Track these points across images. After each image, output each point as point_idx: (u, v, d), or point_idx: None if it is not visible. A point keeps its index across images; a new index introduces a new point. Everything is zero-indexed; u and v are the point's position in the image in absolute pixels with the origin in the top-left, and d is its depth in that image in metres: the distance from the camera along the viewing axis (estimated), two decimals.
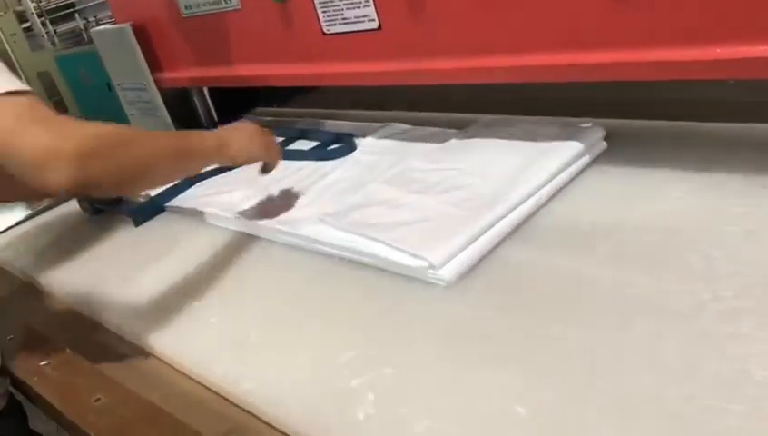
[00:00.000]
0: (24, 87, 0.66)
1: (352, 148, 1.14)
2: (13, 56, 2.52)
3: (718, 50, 0.71)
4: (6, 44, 2.44)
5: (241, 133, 0.89)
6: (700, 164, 0.80)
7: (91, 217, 1.23)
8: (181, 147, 0.79)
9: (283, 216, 0.96)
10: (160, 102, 1.47)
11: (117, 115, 1.61)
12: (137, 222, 1.14)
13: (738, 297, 0.59)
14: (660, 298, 0.61)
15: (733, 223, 0.67)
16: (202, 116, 1.57)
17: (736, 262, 0.63)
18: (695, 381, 0.52)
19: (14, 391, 0.85)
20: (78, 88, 1.85)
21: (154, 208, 1.16)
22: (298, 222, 0.91)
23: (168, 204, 1.15)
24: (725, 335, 0.55)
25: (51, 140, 0.62)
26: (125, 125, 0.73)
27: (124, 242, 1.11)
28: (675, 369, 0.54)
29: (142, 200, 1.18)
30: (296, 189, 1.04)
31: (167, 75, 1.46)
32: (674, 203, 0.75)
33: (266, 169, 0.96)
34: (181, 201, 1.13)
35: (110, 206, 1.15)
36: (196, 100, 1.55)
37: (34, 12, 1.94)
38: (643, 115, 0.96)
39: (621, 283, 0.65)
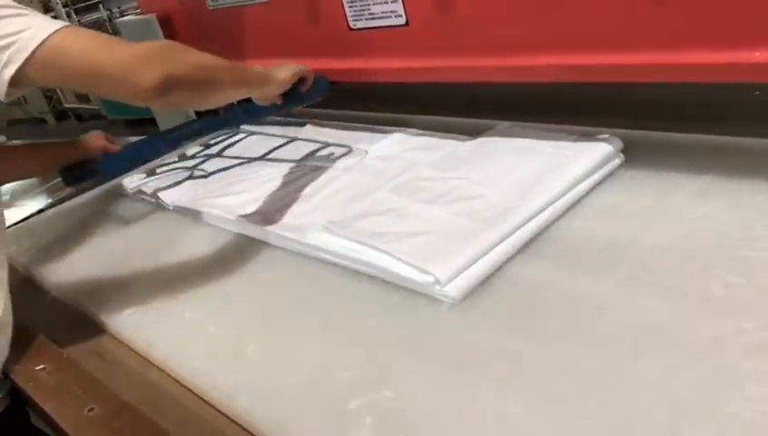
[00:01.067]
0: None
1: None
2: None
3: (757, 54, 0.70)
4: None
5: (274, 67, 0.98)
6: (722, 182, 0.76)
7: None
8: (237, 65, 0.89)
9: (288, 222, 0.93)
10: None
11: (140, 108, 1.61)
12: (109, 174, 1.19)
13: (762, 329, 0.55)
14: (676, 327, 0.58)
15: (757, 248, 0.62)
16: (223, 108, 1.56)
17: (759, 290, 0.59)
18: (712, 422, 0.49)
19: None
20: None
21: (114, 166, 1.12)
22: (302, 228, 0.89)
23: (174, 204, 1.13)
24: (747, 372, 0.52)
25: (134, 51, 0.70)
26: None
27: (128, 241, 1.10)
28: (691, 407, 0.50)
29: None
30: (301, 194, 1.01)
31: None
32: (693, 224, 0.71)
33: (304, 81, 1.01)
34: (186, 202, 1.11)
35: (84, 176, 1.09)
36: None
37: (59, 2, 1.95)
38: (664, 125, 0.93)
39: (635, 309, 0.61)
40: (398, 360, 0.65)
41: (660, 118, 0.95)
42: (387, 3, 1.02)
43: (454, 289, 0.70)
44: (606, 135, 0.90)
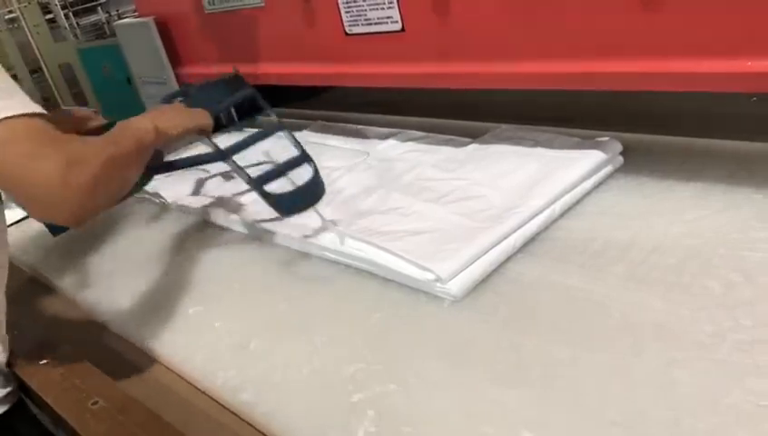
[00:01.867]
0: (33, 109, 0.63)
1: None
2: (35, 47, 2.54)
3: (749, 63, 0.70)
4: (30, 35, 2.46)
5: (165, 111, 0.89)
6: (720, 184, 0.78)
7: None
8: (138, 144, 0.75)
9: (292, 221, 0.93)
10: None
11: (135, 109, 1.61)
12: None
13: (759, 326, 0.56)
14: (676, 324, 0.59)
15: (755, 248, 0.64)
16: (222, 113, 1.56)
17: (757, 288, 0.60)
18: (712, 414, 0.50)
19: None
20: (98, 81, 1.86)
21: None
22: (306, 227, 0.90)
23: (179, 203, 1.14)
24: (745, 366, 0.53)
25: (59, 175, 0.61)
26: (94, 140, 0.70)
27: (130, 238, 1.10)
28: (691, 400, 0.51)
29: None
30: None
31: (187, 70, 1.46)
32: (692, 224, 0.72)
33: (203, 134, 0.93)
34: (188, 200, 1.12)
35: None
36: None
37: (57, 3, 1.95)
38: (662, 129, 0.94)
39: (635, 306, 0.62)
40: (399, 355, 0.66)
41: (658, 123, 0.97)
42: (383, 9, 1.02)
43: (455, 287, 0.71)
44: (606, 138, 0.91)
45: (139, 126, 0.78)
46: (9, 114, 0.61)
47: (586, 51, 0.82)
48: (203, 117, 0.91)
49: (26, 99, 0.65)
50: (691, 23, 0.73)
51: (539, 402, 0.55)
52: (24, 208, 0.65)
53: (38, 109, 0.64)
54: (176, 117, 0.86)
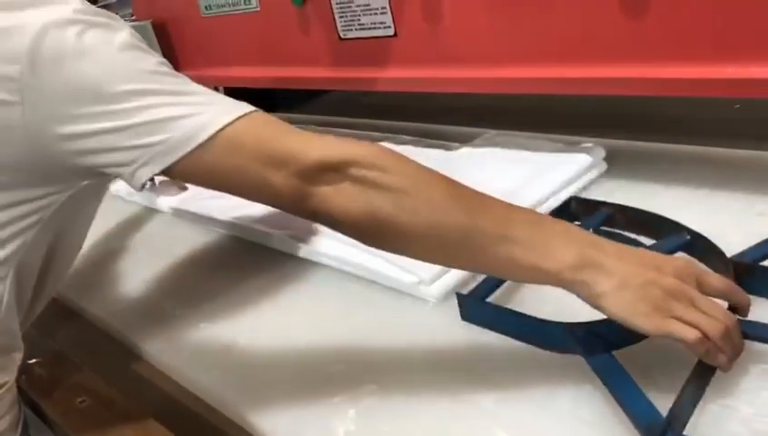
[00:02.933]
0: (245, 108, 0.56)
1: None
2: None
3: (729, 69, 0.72)
4: None
5: (634, 266, 0.51)
6: (702, 189, 0.79)
7: None
8: (515, 242, 0.51)
9: (279, 224, 0.95)
10: None
11: None
12: None
13: None
14: None
15: (732, 251, 0.64)
16: None
17: None
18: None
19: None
20: None
21: None
22: (291, 230, 0.91)
23: (172, 206, 1.14)
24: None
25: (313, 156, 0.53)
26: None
27: (121, 239, 1.11)
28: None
29: None
30: None
31: (184, 74, 1.47)
32: None
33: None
34: (184, 203, 1.13)
35: None
36: None
37: None
38: (645, 134, 0.96)
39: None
40: (382, 356, 0.67)
41: (642, 128, 0.98)
42: (376, 14, 1.04)
43: (437, 289, 0.72)
44: (590, 144, 0.92)
45: (559, 247, 0.51)
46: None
47: (573, 56, 0.84)
48: (691, 336, 0.49)
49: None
50: (674, 29, 0.74)
51: (515, 404, 0.56)
52: None
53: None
54: (635, 299, 0.50)
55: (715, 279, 0.53)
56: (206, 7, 1.33)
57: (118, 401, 0.72)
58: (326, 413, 0.61)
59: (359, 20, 1.07)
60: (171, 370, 0.75)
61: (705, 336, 0.49)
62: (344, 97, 1.50)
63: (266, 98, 1.60)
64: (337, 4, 1.08)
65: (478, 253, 0.52)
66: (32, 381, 0.79)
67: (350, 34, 1.10)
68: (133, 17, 1.53)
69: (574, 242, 0.52)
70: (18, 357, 0.70)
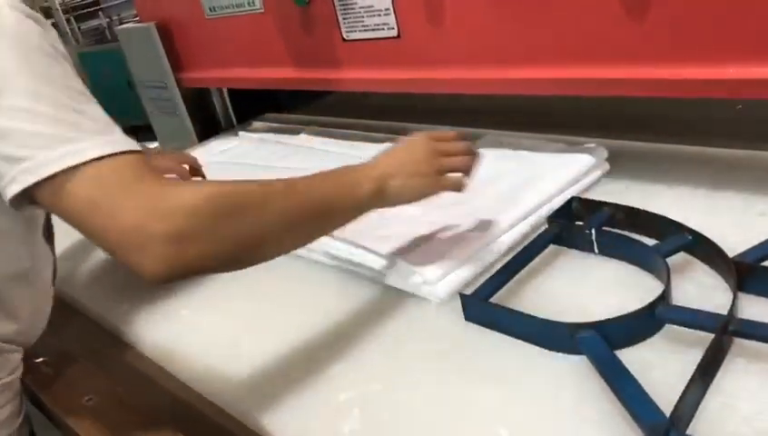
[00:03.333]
0: (126, 146, 0.56)
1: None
2: None
3: (731, 70, 0.72)
4: None
5: (404, 155, 0.71)
6: (702, 189, 0.80)
7: None
8: (322, 203, 0.64)
9: None
10: (179, 101, 1.50)
11: (136, 113, 1.64)
12: None
13: None
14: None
15: (733, 251, 0.64)
16: (221, 117, 1.59)
17: None
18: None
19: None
20: (99, 85, 1.88)
21: None
22: None
23: None
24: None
25: (139, 218, 0.52)
26: (247, 182, 0.59)
27: None
28: None
29: None
30: None
31: (188, 75, 1.48)
32: None
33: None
34: None
35: None
36: (215, 101, 1.57)
37: (59, 8, 1.97)
38: (647, 135, 0.96)
39: (619, 309, 0.62)
40: (386, 355, 0.67)
41: (644, 129, 0.98)
42: (380, 15, 1.04)
43: (441, 289, 0.72)
44: (592, 145, 0.93)
45: (358, 179, 0.66)
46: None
47: (575, 57, 0.84)
48: (446, 184, 0.73)
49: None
50: (676, 30, 0.74)
51: (519, 402, 0.57)
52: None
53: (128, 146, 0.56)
54: (411, 178, 0.70)
55: (444, 133, 0.76)
56: (210, 9, 1.34)
57: (124, 399, 0.73)
58: (331, 412, 0.61)
59: (362, 21, 1.08)
60: (176, 369, 0.76)
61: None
62: (348, 98, 1.51)
63: (270, 99, 1.61)
64: (340, 5, 1.08)
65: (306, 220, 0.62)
66: (38, 379, 0.80)
67: (354, 36, 1.10)
68: (137, 19, 1.53)
69: (363, 175, 0.67)
70: (15, 357, 0.72)
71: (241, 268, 0.60)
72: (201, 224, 0.53)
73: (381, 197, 0.68)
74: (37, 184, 0.53)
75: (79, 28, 2.01)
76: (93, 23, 1.98)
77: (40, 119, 0.54)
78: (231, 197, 0.56)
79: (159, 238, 0.51)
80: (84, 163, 0.53)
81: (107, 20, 1.89)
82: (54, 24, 2.41)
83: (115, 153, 0.54)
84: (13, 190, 0.54)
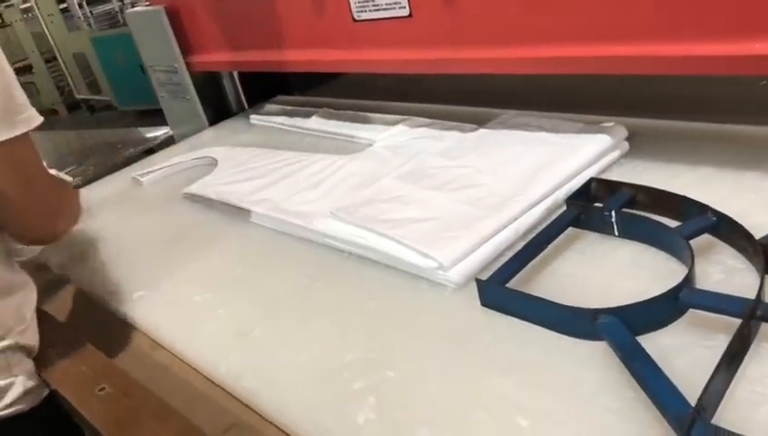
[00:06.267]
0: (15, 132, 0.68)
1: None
2: (50, 36, 2.56)
3: (757, 45, 0.69)
4: (44, 24, 2.48)
5: None
6: (726, 169, 0.77)
7: None
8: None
9: (296, 209, 0.94)
10: (190, 85, 1.49)
11: (149, 97, 1.63)
12: None
13: None
14: None
15: (760, 233, 0.62)
16: (231, 100, 1.57)
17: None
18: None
19: None
20: (112, 69, 1.87)
21: None
22: (309, 215, 0.90)
23: (184, 190, 1.14)
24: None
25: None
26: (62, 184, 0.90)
27: (136, 226, 1.11)
28: None
29: None
30: (309, 182, 1.02)
31: (198, 59, 1.47)
32: None
33: None
34: (194, 188, 1.12)
35: None
36: (225, 84, 1.56)
37: None
38: (668, 114, 0.93)
39: (638, 293, 0.60)
40: (401, 342, 0.66)
41: (664, 108, 0.96)
42: None
43: (456, 274, 0.71)
44: (611, 124, 0.90)
45: None
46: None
47: (594, 35, 0.82)
48: None
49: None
50: (700, 5, 0.72)
51: (537, 391, 0.55)
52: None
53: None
54: None
55: None
56: None
57: (137, 389, 0.72)
58: (345, 401, 0.60)
59: (373, 1, 1.06)
60: (188, 357, 0.75)
61: None
62: (359, 80, 1.49)
63: (280, 81, 1.60)
64: None
65: None
66: (50, 369, 0.79)
67: (364, 16, 1.08)
68: (147, 3, 1.52)
69: None
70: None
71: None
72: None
73: None
74: None
75: (91, 13, 2.01)
76: (106, 7, 1.97)
77: None
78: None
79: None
80: None
81: (119, 3, 1.88)
82: (66, 9, 2.41)
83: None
84: None
